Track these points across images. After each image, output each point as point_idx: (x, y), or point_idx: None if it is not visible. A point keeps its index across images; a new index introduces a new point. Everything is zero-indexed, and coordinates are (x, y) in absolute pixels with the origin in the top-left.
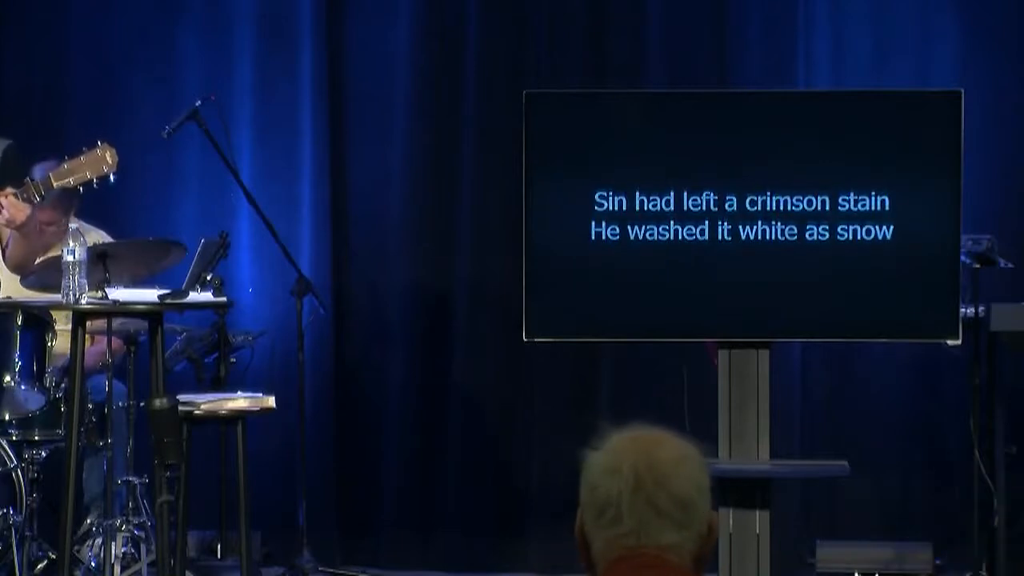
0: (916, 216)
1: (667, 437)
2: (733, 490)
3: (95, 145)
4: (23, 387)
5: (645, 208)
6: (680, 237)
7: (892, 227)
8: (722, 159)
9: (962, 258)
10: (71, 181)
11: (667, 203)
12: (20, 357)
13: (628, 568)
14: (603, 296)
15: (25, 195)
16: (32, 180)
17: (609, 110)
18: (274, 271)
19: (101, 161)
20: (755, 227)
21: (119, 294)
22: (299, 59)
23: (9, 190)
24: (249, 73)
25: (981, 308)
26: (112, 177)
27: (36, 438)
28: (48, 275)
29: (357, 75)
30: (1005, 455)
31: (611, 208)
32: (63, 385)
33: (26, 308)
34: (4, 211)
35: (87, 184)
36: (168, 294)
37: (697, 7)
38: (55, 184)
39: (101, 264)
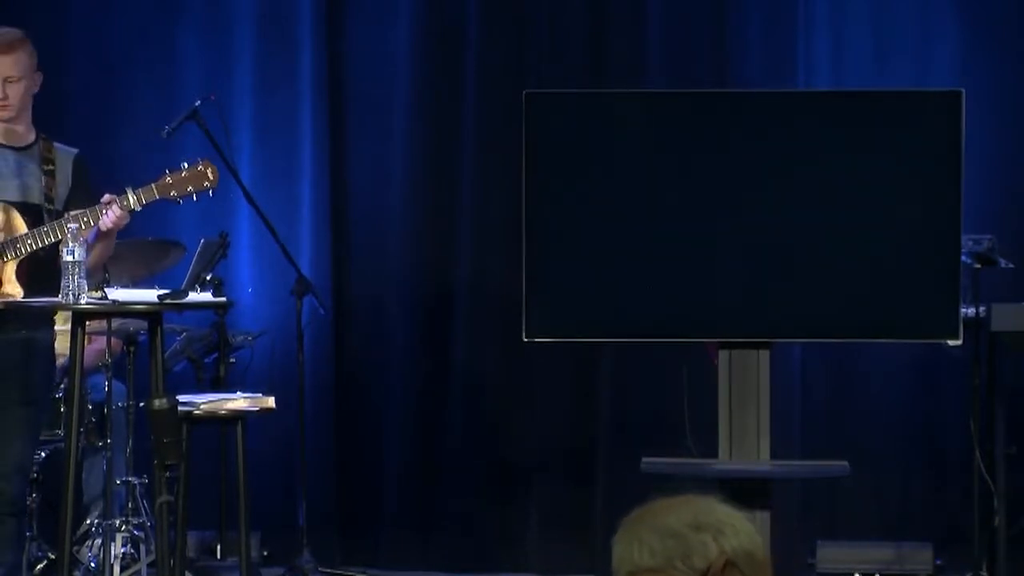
0: (916, 216)
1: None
2: (733, 490)
3: (196, 162)
4: None
5: (645, 208)
6: (680, 237)
7: (892, 227)
8: (722, 159)
9: (962, 258)
10: (173, 193)
11: (667, 203)
12: None
13: None
14: (603, 296)
15: (126, 204)
16: (134, 190)
17: (609, 110)
18: (274, 271)
19: (203, 177)
20: (755, 227)
21: (119, 294)
22: (299, 59)
23: (108, 196)
24: (249, 73)
25: (981, 308)
26: (212, 192)
27: None
28: None
29: (357, 75)
30: (1005, 455)
31: (611, 208)
32: (63, 385)
33: (26, 308)
34: (108, 216)
35: (187, 197)
36: (168, 294)
37: (697, 7)
38: (157, 195)
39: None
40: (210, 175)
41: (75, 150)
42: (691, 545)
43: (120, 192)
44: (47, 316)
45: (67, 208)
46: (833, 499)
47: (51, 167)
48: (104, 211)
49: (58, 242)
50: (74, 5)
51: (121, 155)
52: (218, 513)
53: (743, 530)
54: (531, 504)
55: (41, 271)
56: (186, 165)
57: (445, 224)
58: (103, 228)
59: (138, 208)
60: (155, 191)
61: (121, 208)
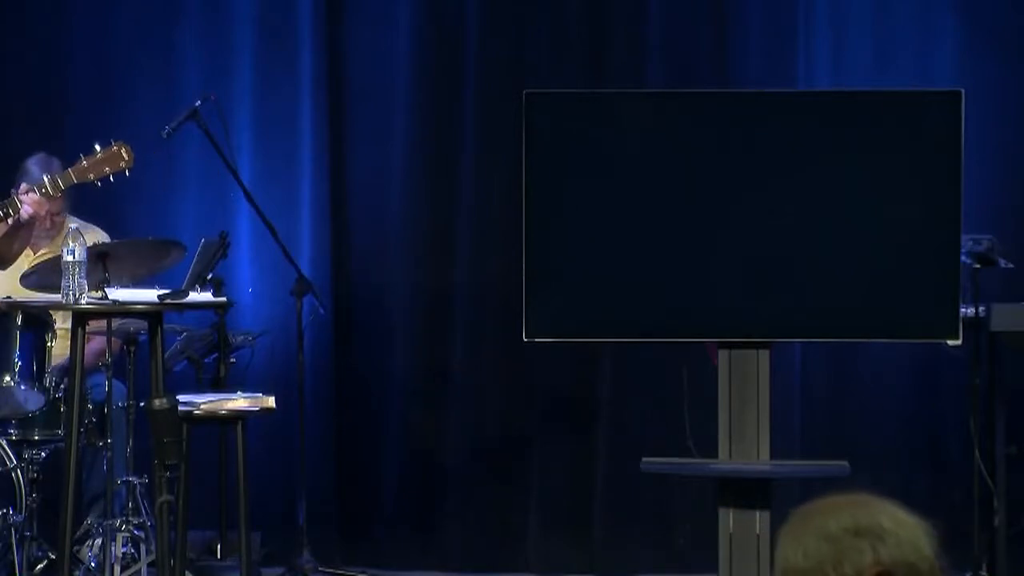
0: (916, 216)
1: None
2: (733, 490)
3: (110, 144)
4: (23, 387)
5: (645, 208)
6: (680, 237)
7: (892, 227)
8: (722, 159)
9: (962, 258)
10: (91, 176)
11: (667, 203)
12: (20, 357)
13: None
14: (603, 296)
15: (44, 191)
16: (50, 175)
17: (609, 110)
18: (274, 271)
19: (118, 157)
20: (755, 227)
21: (119, 294)
22: (299, 59)
23: (25, 186)
24: (249, 73)
25: (981, 308)
26: (128, 172)
27: (36, 438)
28: (48, 275)
29: (357, 75)
30: (1005, 455)
31: (611, 208)
32: (63, 385)
33: (26, 308)
34: (27, 206)
35: (104, 179)
36: (168, 294)
37: (697, 7)
38: (75, 179)
39: (101, 264)
40: (124, 155)
41: None
42: (844, 551)
43: (35, 182)
44: None
45: None
46: None
47: None
48: (21, 200)
49: None
50: (74, 5)
51: None
52: (218, 513)
53: (907, 539)
54: (531, 504)
55: None
56: (98, 148)
57: (445, 224)
58: (24, 217)
59: (57, 194)
60: (72, 175)
61: (39, 194)
